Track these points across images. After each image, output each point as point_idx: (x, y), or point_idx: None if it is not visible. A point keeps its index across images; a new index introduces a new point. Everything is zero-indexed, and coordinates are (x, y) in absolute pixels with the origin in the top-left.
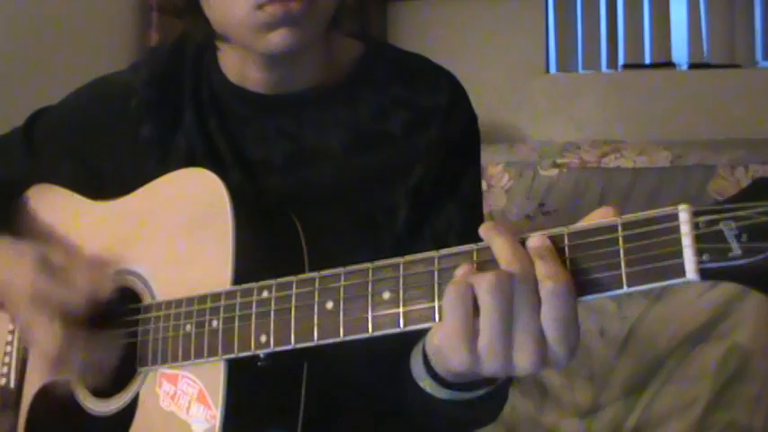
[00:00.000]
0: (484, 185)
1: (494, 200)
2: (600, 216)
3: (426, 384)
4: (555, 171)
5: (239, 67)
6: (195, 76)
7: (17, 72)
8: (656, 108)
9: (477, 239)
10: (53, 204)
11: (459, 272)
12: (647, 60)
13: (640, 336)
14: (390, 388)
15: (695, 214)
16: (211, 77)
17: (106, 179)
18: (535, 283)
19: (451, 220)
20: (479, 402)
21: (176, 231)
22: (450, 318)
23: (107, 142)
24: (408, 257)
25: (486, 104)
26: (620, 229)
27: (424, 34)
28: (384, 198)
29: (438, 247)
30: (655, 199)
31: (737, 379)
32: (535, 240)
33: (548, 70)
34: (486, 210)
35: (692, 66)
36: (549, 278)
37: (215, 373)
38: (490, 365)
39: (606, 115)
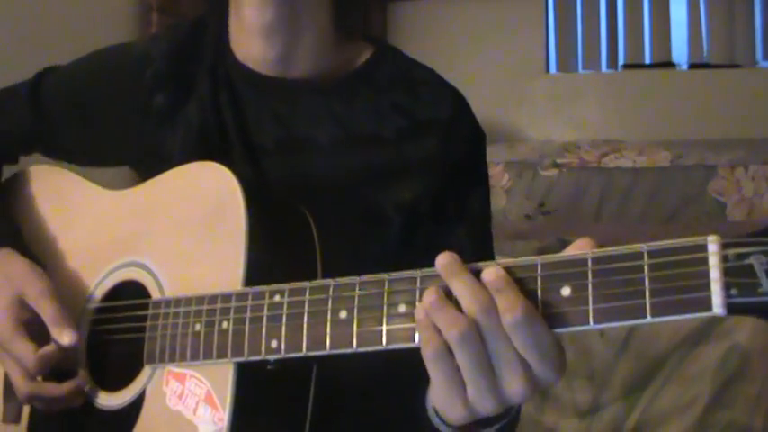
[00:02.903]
0: None
1: (494, 200)
2: (577, 248)
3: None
4: (555, 171)
5: (244, 42)
6: (215, 52)
7: (17, 72)
8: (656, 108)
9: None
10: (62, 188)
11: (420, 313)
12: (647, 60)
13: (640, 336)
14: (395, 393)
15: (724, 246)
16: (225, 55)
17: (109, 142)
18: (498, 318)
19: (462, 245)
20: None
21: (188, 226)
22: (435, 376)
23: (115, 106)
24: (426, 271)
25: (486, 104)
26: (646, 256)
27: (424, 34)
28: (365, 202)
29: None
30: (655, 199)
31: (737, 379)
32: (489, 274)
33: (548, 70)
34: None
35: (692, 66)
36: (506, 311)
37: (223, 374)
38: (485, 408)
39: (606, 115)
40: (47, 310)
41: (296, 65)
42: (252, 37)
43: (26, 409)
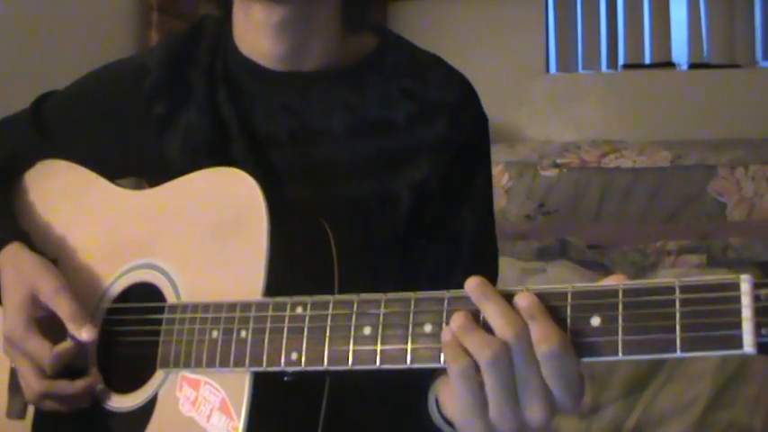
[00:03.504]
0: None
1: (494, 200)
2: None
3: None
4: (555, 171)
5: (251, 38)
6: (212, 52)
7: (17, 72)
8: (656, 108)
9: (490, 240)
10: (77, 184)
11: (447, 336)
12: (647, 60)
13: None
14: (403, 396)
15: (757, 286)
16: (227, 51)
17: (113, 156)
18: (531, 345)
19: (465, 222)
20: None
21: (207, 231)
22: (458, 392)
23: (117, 120)
24: (454, 292)
25: (486, 104)
26: (678, 291)
27: (424, 34)
28: (380, 186)
29: (454, 249)
30: (655, 199)
31: (737, 379)
32: (523, 300)
33: (548, 70)
34: None
35: (692, 66)
36: (542, 341)
37: (239, 383)
38: (504, 429)
39: (606, 115)
40: (63, 307)
41: (305, 59)
42: (261, 33)
43: (31, 406)
